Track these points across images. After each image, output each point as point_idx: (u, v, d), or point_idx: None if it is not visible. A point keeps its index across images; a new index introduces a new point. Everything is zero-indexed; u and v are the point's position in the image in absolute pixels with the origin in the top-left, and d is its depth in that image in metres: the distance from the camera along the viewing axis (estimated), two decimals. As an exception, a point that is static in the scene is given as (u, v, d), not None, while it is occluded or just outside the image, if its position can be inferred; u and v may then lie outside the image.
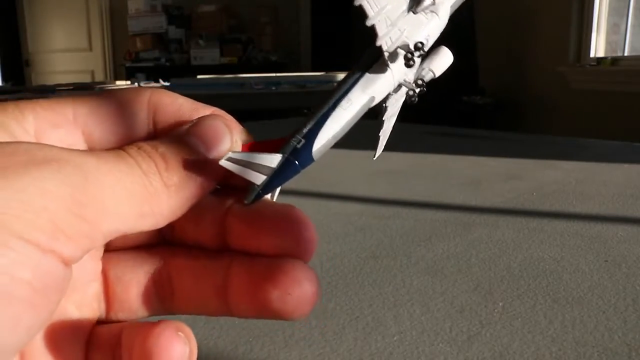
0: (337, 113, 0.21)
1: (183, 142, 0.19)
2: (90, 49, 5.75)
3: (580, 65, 3.60)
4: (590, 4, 3.52)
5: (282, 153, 0.20)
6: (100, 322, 0.21)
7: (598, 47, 3.58)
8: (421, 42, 0.22)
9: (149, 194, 0.18)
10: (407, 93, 0.23)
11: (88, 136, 0.20)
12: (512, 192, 0.77)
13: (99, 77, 5.58)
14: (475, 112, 3.98)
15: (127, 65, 5.16)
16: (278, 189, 0.22)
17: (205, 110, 0.21)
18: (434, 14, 0.23)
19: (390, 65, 0.21)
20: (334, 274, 0.49)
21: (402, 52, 0.21)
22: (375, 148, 0.25)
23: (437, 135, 1.44)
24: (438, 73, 0.24)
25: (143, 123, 0.21)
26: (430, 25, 0.23)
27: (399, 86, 0.23)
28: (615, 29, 3.55)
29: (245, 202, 0.20)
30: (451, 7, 0.24)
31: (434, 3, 0.22)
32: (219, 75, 3.45)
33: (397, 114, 0.25)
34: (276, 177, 0.20)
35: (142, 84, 3.05)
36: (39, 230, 0.15)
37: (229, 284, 0.20)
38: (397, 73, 0.22)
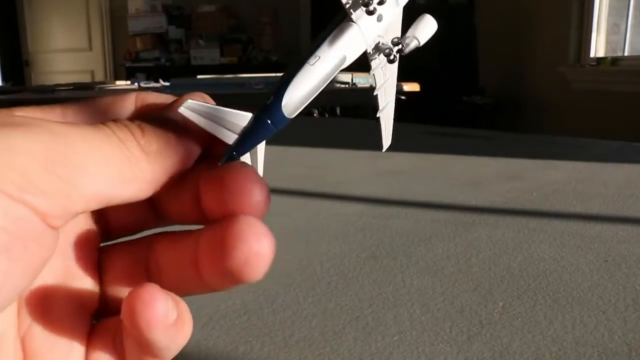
0: (304, 69, 0.20)
1: (161, 116, 0.20)
2: (90, 49, 5.75)
3: (580, 65, 3.60)
4: (590, 4, 3.52)
5: (253, 112, 0.20)
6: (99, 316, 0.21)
7: (598, 47, 3.58)
8: None
9: (127, 159, 0.18)
10: (384, 53, 0.22)
11: None
12: (512, 192, 0.77)
13: (99, 77, 5.58)
14: (475, 112, 3.98)
15: (127, 65, 5.16)
16: (261, 155, 0.21)
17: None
18: None
19: (354, 17, 0.21)
20: (334, 274, 0.49)
21: (360, 1, 0.21)
22: (380, 136, 0.24)
23: (437, 135, 1.44)
24: (422, 40, 0.23)
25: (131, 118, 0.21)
26: None
27: (378, 49, 0.22)
28: (615, 29, 3.55)
29: (219, 164, 0.20)
30: None
31: None
32: (219, 75, 3.45)
33: (392, 87, 0.24)
34: (249, 136, 0.20)
35: (142, 84, 3.04)
36: (7, 182, 0.15)
37: (198, 254, 0.20)
38: (367, 28, 0.21)
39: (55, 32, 5.73)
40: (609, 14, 3.55)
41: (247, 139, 0.20)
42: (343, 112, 2.98)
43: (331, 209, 0.70)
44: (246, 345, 0.38)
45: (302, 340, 0.38)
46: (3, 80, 5.63)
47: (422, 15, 0.24)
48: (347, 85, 2.93)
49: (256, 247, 0.18)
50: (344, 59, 0.21)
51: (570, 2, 3.58)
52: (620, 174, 0.88)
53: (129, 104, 0.21)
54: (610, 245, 0.55)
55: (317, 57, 0.21)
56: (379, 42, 0.22)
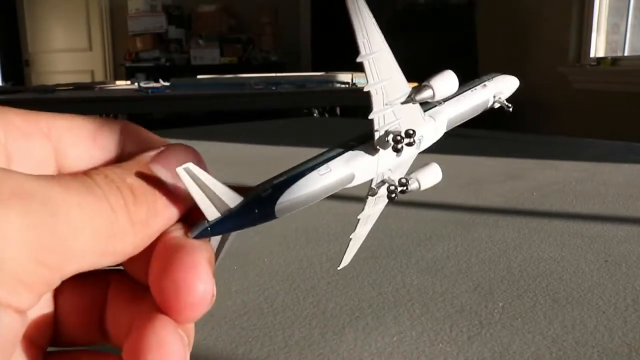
0: (312, 175, 0.20)
1: (152, 173, 0.19)
2: (90, 49, 5.75)
3: (580, 65, 3.60)
4: (590, 4, 3.52)
5: (244, 197, 0.19)
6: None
7: (598, 47, 3.58)
8: (412, 130, 0.21)
9: (114, 233, 0.17)
10: (388, 188, 0.23)
11: (59, 152, 0.20)
12: (512, 192, 0.77)
13: (99, 77, 5.57)
14: (475, 112, 3.98)
15: (127, 65, 5.16)
16: (226, 245, 0.20)
17: (156, 141, 0.21)
18: (431, 118, 0.23)
19: (379, 147, 0.21)
20: (334, 274, 0.49)
21: (391, 135, 0.21)
22: (343, 254, 0.25)
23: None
24: (423, 186, 0.24)
25: (115, 150, 0.21)
26: (426, 127, 0.23)
27: (382, 182, 0.23)
28: (615, 29, 3.55)
29: (190, 235, 0.19)
30: (449, 121, 0.24)
31: (433, 97, 0.22)
32: (219, 75, 3.45)
33: (374, 219, 0.25)
34: (230, 219, 0.19)
35: (142, 84, 3.04)
36: (0, 286, 0.15)
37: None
38: (384, 161, 0.22)
39: (55, 32, 5.73)
40: (609, 14, 3.55)
41: (228, 222, 0.19)
42: (343, 112, 2.97)
43: (331, 209, 0.70)
44: (246, 345, 0.38)
45: (302, 341, 0.38)
46: (3, 80, 5.63)
47: (431, 163, 0.24)
48: (347, 86, 2.93)
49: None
50: (352, 179, 0.21)
51: (570, 2, 3.58)
52: (620, 174, 0.88)
53: (116, 131, 0.21)
54: (610, 245, 0.55)
55: (329, 169, 0.20)
56: (386, 177, 0.22)
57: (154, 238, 0.18)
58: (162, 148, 0.20)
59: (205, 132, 1.57)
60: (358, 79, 2.92)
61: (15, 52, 5.76)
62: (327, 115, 2.82)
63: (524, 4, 3.92)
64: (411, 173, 0.24)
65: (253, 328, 0.40)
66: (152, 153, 0.19)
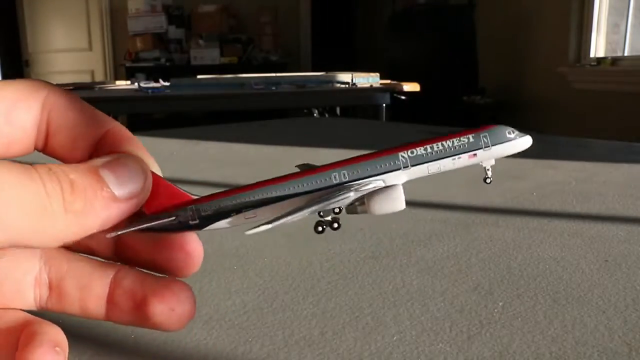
0: (235, 218, 0.24)
1: (96, 175, 0.20)
2: (90, 49, 5.74)
3: (580, 65, 3.60)
4: (590, 4, 3.52)
5: (176, 215, 0.23)
6: None
7: (598, 47, 3.58)
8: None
9: (46, 215, 0.18)
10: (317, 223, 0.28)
11: None
12: (512, 192, 0.77)
13: (99, 77, 5.57)
14: (475, 112, 3.98)
15: (127, 65, 5.16)
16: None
17: (106, 122, 0.22)
18: None
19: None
20: (334, 274, 0.49)
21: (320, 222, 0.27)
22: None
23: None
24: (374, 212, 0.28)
25: (34, 127, 0.21)
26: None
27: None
28: (615, 29, 3.55)
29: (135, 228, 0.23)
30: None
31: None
32: (219, 75, 3.45)
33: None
34: (159, 228, 0.23)
35: (142, 84, 3.04)
36: None
37: (114, 292, 0.21)
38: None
39: (55, 32, 5.72)
40: (609, 14, 3.55)
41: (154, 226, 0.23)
42: (343, 112, 2.97)
43: (331, 209, 0.70)
44: (246, 345, 0.38)
45: (301, 340, 0.38)
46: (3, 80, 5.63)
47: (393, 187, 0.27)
48: (347, 86, 2.93)
49: (189, 311, 0.22)
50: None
51: (570, 2, 3.58)
52: (620, 174, 0.88)
53: (37, 102, 0.21)
54: (610, 245, 0.55)
55: (254, 215, 0.25)
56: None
57: (90, 232, 0.20)
58: (115, 156, 0.21)
59: (205, 132, 1.57)
60: (358, 79, 2.93)
61: (15, 52, 5.76)
62: (327, 115, 2.82)
63: (524, 4, 3.92)
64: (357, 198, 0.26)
65: (253, 328, 0.40)
66: (104, 159, 0.20)
